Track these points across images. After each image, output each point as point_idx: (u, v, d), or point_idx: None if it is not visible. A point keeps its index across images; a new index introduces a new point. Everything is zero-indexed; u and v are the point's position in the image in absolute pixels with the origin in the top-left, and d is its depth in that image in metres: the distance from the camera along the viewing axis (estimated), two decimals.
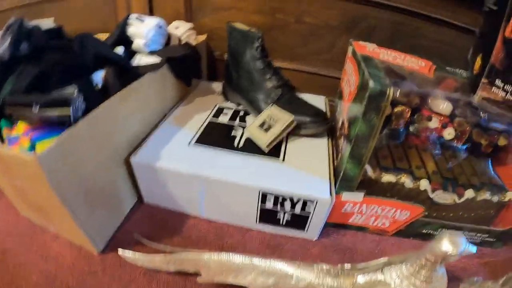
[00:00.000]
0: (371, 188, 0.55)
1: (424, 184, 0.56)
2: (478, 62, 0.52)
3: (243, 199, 0.54)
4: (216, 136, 0.62)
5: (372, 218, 0.59)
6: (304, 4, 0.75)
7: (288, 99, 0.65)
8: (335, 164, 0.58)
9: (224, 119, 0.69)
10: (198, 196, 0.56)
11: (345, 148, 0.54)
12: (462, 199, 0.56)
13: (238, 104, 0.74)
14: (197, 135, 0.62)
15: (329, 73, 0.83)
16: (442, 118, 0.51)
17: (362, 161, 0.51)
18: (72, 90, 0.46)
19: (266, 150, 0.59)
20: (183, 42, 0.75)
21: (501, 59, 0.46)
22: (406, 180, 0.56)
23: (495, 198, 0.56)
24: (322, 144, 0.63)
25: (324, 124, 0.63)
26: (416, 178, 0.56)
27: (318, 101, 0.78)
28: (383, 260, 0.46)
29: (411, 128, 0.51)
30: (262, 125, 0.62)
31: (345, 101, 0.59)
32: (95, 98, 0.47)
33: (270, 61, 0.67)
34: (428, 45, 0.73)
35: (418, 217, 0.58)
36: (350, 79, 0.58)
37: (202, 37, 0.82)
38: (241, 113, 0.72)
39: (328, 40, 0.79)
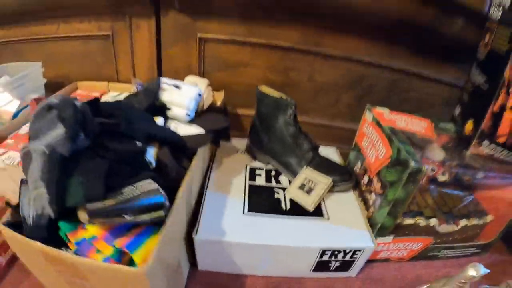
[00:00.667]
0: (396, 230, 0.70)
1: (433, 221, 0.72)
2: (470, 125, 0.69)
3: (304, 257, 0.65)
4: (263, 201, 0.71)
5: (395, 252, 0.75)
6: (316, 65, 0.86)
7: (318, 160, 0.77)
8: (368, 215, 0.71)
9: (261, 181, 0.78)
10: (261, 262, 0.65)
11: (379, 204, 0.67)
12: (459, 227, 0.74)
13: (267, 163, 0.83)
14: (246, 203, 0.70)
15: (335, 124, 0.97)
16: (437, 164, 0.66)
17: (397, 217, 0.65)
18: (154, 187, 0.46)
19: (311, 210, 0.70)
20: (205, 100, 0.80)
21: (488, 126, 0.63)
22: (421, 221, 0.71)
23: (481, 222, 0.75)
24: (351, 197, 0.76)
25: (352, 181, 0.76)
26: (427, 217, 0.72)
27: (331, 151, 0.92)
28: (425, 286, 0.61)
29: None
30: (302, 187, 0.73)
31: (370, 162, 0.73)
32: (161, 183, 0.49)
33: (300, 126, 0.77)
34: (417, 97, 0.90)
35: (428, 245, 0.75)
36: (376, 145, 0.71)
37: (221, 95, 0.87)
38: (273, 173, 0.81)
39: (334, 96, 0.92)
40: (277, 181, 0.78)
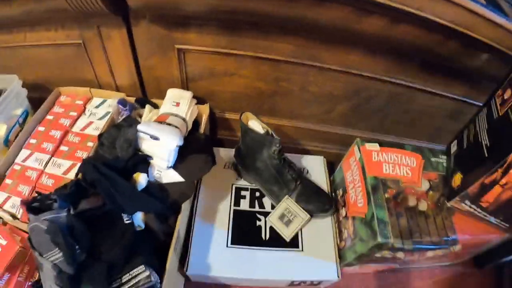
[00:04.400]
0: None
1: (400, 254, 0.81)
2: (458, 180, 0.71)
3: (278, 284, 0.81)
4: (245, 231, 0.82)
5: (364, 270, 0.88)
6: (310, 76, 0.81)
7: (301, 190, 0.83)
8: (340, 245, 0.82)
9: (245, 205, 0.86)
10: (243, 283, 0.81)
11: (349, 244, 0.77)
12: (425, 257, 0.84)
13: (252, 183, 0.90)
14: (230, 235, 0.81)
15: (324, 129, 0.96)
16: (419, 194, 0.74)
17: (363, 260, 0.75)
18: (145, 274, 0.59)
19: (288, 241, 0.80)
20: (188, 122, 0.81)
21: (475, 192, 0.67)
22: (388, 254, 0.81)
23: (447, 251, 0.84)
24: (328, 225, 0.85)
25: (331, 212, 0.84)
26: (395, 250, 0.81)
27: (318, 163, 0.97)
28: None
29: None
30: (282, 217, 0.81)
31: (349, 201, 0.80)
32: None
33: (286, 157, 0.79)
34: (418, 109, 0.86)
35: (393, 267, 0.87)
36: (357, 190, 0.75)
37: (205, 108, 0.87)
38: (257, 194, 0.89)
39: (328, 105, 0.89)
40: (261, 205, 0.87)
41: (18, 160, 0.81)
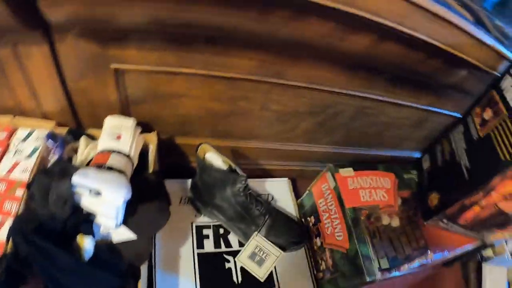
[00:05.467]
0: None
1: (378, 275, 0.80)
2: (435, 199, 0.70)
3: None
4: (214, 276, 0.72)
5: None
6: (273, 94, 0.72)
7: (269, 224, 0.75)
8: (318, 275, 0.77)
9: (209, 246, 0.76)
10: None
11: (328, 277, 0.73)
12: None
13: (213, 219, 0.80)
14: (198, 283, 0.70)
15: (286, 147, 0.89)
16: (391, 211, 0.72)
17: None
18: None
19: (263, 281, 0.73)
20: (133, 158, 0.68)
21: (453, 212, 0.65)
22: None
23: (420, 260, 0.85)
24: (301, 258, 0.80)
25: (304, 243, 0.79)
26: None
27: (282, 185, 0.91)
28: None
29: None
30: (252, 256, 0.73)
31: (325, 232, 0.75)
32: None
33: (251, 191, 0.70)
34: (386, 121, 0.83)
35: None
36: (334, 221, 0.70)
37: (153, 138, 0.73)
38: (221, 231, 0.79)
39: (293, 123, 0.81)
40: (227, 244, 0.78)
41: None
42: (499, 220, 0.65)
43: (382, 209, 0.70)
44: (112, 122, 0.70)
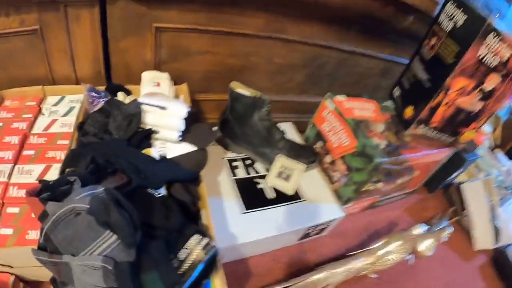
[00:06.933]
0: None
1: (380, 185, 0.99)
2: (410, 111, 0.92)
3: (294, 235, 0.88)
4: (251, 195, 0.87)
5: (351, 210, 1.02)
6: (276, 49, 0.95)
7: (288, 147, 0.93)
8: (334, 188, 0.94)
9: (241, 173, 0.92)
10: (263, 246, 0.84)
11: (344, 182, 0.91)
12: (396, 185, 1.03)
13: (240, 153, 0.96)
14: (241, 202, 0.84)
15: (288, 99, 1.12)
16: (378, 135, 0.91)
17: (360, 191, 0.89)
18: (204, 242, 0.54)
19: (292, 194, 0.88)
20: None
21: (425, 115, 0.87)
22: (371, 187, 0.97)
23: (410, 177, 1.05)
24: (316, 175, 0.98)
25: (317, 160, 0.97)
26: (375, 182, 0.98)
27: (288, 127, 1.10)
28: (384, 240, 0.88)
29: None
30: (279, 174, 0.89)
31: (332, 146, 0.95)
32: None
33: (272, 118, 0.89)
34: (360, 71, 1.10)
35: (374, 200, 1.04)
36: (339, 133, 0.90)
37: (184, 88, 0.91)
38: (248, 161, 0.96)
39: (289, 75, 1.05)
40: (255, 170, 0.94)
41: None
42: (462, 118, 0.88)
43: (372, 121, 0.92)
44: (150, 75, 0.87)
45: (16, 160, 0.72)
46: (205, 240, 0.54)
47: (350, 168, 0.88)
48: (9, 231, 0.61)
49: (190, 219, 0.62)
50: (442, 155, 1.02)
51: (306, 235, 0.91)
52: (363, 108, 0.95)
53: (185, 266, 0.51)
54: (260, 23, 0.88)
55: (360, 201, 0.98)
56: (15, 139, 0.75)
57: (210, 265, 0.55)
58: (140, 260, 0.46)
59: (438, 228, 0.90)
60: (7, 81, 0.84)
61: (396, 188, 1.05)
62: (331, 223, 0.90)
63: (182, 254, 0.52)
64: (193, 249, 0.53)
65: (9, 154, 0.72)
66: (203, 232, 0.57)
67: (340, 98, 0.95)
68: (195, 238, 0.55)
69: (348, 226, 1.01)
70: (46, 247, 0.46)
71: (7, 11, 0.72)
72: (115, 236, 0.44)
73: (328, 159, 0.97)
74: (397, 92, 1.02)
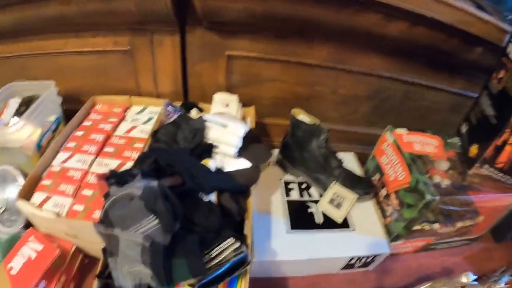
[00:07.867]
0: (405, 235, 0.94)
1: (436, 226, 0.96)
2: (475, 149, 0.89)
3: (337, 262, 0.90)
4: (300, 217, 0.92)
5: (403, 249, 1.00)
6: (341, 80, 1.00)
7: (344, 175, 0.97)
8: (385, 222, 0.94)
9: (295, 195, 0.98)
10: (302, 268, 0.88)
11: (396, 217, 0.91)
12: (455, 228, 0.99)
13: (298, 176, 1.03)
14: (288, 222, 0.90)
15: (352, 129, 1.16)
16: (441, 173, 0.89)
17: (411, 229, 0.88)
18: (236, 246, 0.60)
19: (340, 222, 0.91)
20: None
21: (491, 155, 0.83)
22: (426, 226, 0.95)
23: (473, 222, 1.00)
24: (370, 206, 0.99)
25: (372, 193, 0.98)
26: (431, 223, 0.96)
27: (349, 158, 1.13)
28: (428, 284, 0.86)
29: None
30: (331, 201, 0.93)
31: (388, 179, 0.95)
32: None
33: (331, 146, 0.94)
34: (427, 105, 1.09)
35: (430, 242, 1.00)
36: (395, 167, 0.91)
37: (251, 111, 1.00)
38: (304, 185, 1.01)
39: (354, 106, 1.08)
40: (309, 195, 0.99)
41: (56, 162, 0.85)
42: None
43: (433, 158, 0.91)
44: (221, 96, 0.99)
45: (97, 154, 0.88)
46: (237, 244, 0.60)
47: (403, 203, 0.89)
48: (80, 207, 0.76)
49: (233, 226, 0.70)
50: (511, 199, 0.96)
51: (350, 266, 0.92)
52: (425, 143, 0.95)
53: (213, 262, 0.58)
54: (324, 54, 0.95)
55: (412, 240, 0.96)
56: (100, 137, 0.92)
57: (237, 268, 0.60)
58: (174, 246, 0.56)
59: (492, 280, 0.84)
60: (100, 89, 1.03)
61: (456, 232, 1.00)
62: (375, 258, 0.90)
63: (214, 252, 0.60)
64: (224, 250, 0.60)
65: (93, 148, 0.89)
66: (239, 238, 0.63)
67: (401, 131, 0.96)
68: (229, 240, 0.61)
69: (397, 265, 1.00)
70: (104, 222, 0.58)
71: (105, 33, 0.91)
72: (157, 221, 0.54)
73: (383, 192, 0.97)
74: (464, 128, 0.99)
